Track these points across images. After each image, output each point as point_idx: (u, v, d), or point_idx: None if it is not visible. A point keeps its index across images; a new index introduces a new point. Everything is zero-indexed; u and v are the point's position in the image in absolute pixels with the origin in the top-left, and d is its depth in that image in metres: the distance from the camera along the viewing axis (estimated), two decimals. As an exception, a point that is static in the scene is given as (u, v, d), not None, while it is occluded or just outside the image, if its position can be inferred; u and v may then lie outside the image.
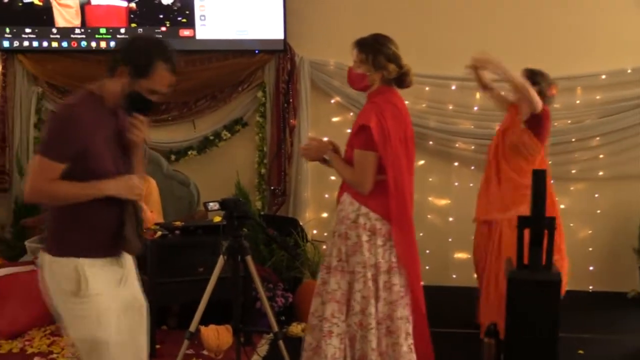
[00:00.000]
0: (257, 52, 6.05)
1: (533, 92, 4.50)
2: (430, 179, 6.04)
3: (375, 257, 3.64)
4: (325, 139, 3.99)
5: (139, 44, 2.80)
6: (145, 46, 2.78)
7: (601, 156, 5.91)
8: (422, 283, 3.86)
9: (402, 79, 3.67)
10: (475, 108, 5.93)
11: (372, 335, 3.61)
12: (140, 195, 2.92)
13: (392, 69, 3.62)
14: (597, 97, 5.84)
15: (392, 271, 3.66)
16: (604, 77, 5.83)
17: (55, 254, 2.78)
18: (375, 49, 3.64)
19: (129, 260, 3.00)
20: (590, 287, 5.93)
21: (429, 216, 6.07)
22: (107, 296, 2.82)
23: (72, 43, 6.09)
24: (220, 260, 3.86)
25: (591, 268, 5.89)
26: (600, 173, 5.91)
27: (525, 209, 4.47)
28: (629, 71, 5.81)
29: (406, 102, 3.83)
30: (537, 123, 4.62)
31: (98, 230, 2.82)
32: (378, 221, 3.63)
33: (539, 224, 3.82)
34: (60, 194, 2.72)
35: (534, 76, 4.76)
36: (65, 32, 6.08)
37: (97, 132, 2.75)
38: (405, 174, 3.64)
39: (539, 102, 4.52)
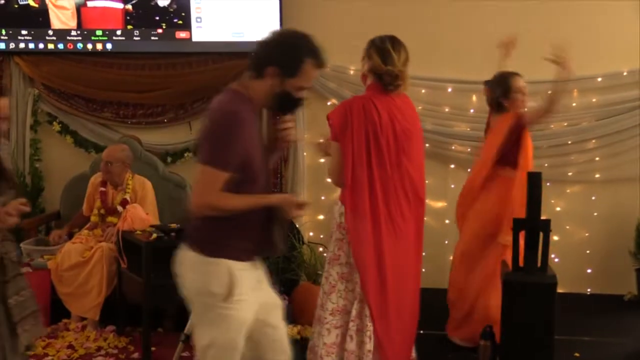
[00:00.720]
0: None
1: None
2: (427, 181, 5.96)
3: (348, 257, 3.75)
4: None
5: (286, 43, 2.74)
6: (293, 45, 2.73)
7: (597, 159, 5.91)
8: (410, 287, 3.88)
9: (383, 78, 3.70)
10: (472, 110, 5.93)
11: (324, 330, 3.75)
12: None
13: (377, 63, 3.67)
14: (593, 100, 5.84)
15: (333, 263, 3.79)
16: (600, 79, 5.83)
17: (208, 254, 2.73)
18: (372, 41, 3.75)
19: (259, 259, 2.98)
20: (588, 290, 5.93)
21: (425, 218, 6.03)
22: (249, 303, 2.79)
23: (68, 45, 6.08)
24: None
25: (588, 270, 5.89)
26: (597, 175, 5.91)
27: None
28: (625, 74, 5.81)
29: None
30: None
31: (249, 234, 2.78)
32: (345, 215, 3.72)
33: (533, 226, 3.82)
34: (228, 207, 2.67)
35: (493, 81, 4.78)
36: (61, 34, 6.07)
37: (254, 136, 2.72)
38: (364, 168, 3.68)
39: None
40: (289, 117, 2.86)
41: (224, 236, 2.74)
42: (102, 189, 5.35)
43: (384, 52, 3.68)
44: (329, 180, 5.84)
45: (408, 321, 3.89)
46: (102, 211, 5.32)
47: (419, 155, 3.93)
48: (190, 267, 2.78)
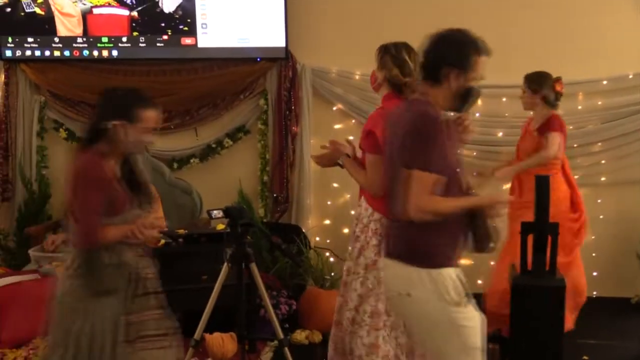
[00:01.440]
0: (258, 59, 6.06)
1: (547, 153, 4.72)
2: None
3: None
4: (351, 138, 3.99)
5: (452, 43, 2.86)
6: (459, 42, 2.85)
7: (603, 162, 5.91)
8: None
9: (403, 90, 3.70)
10: (477, 114, 5.93)
11: (363, 331, 3.65)
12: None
13: (395, 74, 3.66)
14: (599, 103, 5.84)
15: (370, 268, 3.72)
16: (605, 82, 5.84)
17: (431, 265, 2.75)
18: (387, 48, 3.72)
19: None
20: (594, 293, 5.91)
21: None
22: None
23: (74, 52, 6.10)
24: (225, 268, 3.86)
25: (595, 274, 5.89)
26: (603, 179, 5.91)
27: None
28: (630, 77, 5.82)
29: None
30: (549, 129, 4.69)
31: (457, 238, 2.83)
32: None
33: (542, 229, 3.83)
34: (443, 210, 2.70)
35: (533, 84, 4.81)
36: (67, 41, 6.09)
37: (451, 139, 2.78)
38: None
39: (550, 154, 4.72)
40: (467, 114, 2.95)
41: (439, 244, 2.77)
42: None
43: (402, 62, 3.65)
44: (335, 185, 5.93)
45: None
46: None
47: None
48: (416, 283, 2.77)
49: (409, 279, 2.78)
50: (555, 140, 4.72)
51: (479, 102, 5.82)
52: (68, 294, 2.99)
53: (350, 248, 3.89)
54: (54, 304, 3.03)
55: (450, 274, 2.76)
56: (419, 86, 2.90)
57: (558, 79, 4.85)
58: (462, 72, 2.77)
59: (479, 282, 5.19)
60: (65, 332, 2.97)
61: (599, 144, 5.88)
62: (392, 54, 3.68)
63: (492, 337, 4.44)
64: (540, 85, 4.81)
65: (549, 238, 3.86)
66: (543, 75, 4.85)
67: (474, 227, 2.82)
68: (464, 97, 2.81)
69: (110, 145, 3.01)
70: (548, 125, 4.76)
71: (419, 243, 2.77)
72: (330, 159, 3.91)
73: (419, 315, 2.82)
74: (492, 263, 5.07)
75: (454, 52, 2.80)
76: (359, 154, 3.81)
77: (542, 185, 3.88)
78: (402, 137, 2.74)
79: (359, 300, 3.70)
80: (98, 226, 2.92)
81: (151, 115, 3.05)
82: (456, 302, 2.74)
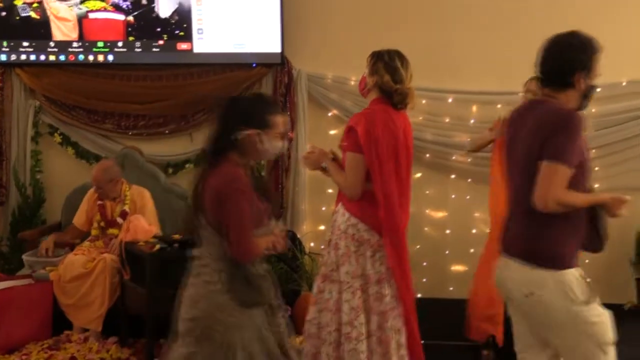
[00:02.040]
0: (254, 65, 6.07)
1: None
2: (427, 192, 6.05)
3: (363, 268, 3.67)
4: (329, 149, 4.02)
5: (579, 47, 2.97)
6: (584, 46, 2.97)
7: (597, 168, 5.92)
8: (416, 295, 3.88)
9: (393, 97, 3.71)
10: (472, 121, 5.96)
11: (362, 346, 3.63)
12: None
13: (386, 80, 3.68)
14: (593, 110, 5.85)
15: (382, 282, 3.69)
16: (599, 89, 5.81)
17: (556, 267, 2.82)
18: (380, 55, 3.75)
19: None
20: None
21: (425, 229, 6.08)
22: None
23: (70, 56, 6.09)
24: (220, 274, 3.85)
25: (588, 280, 5.89)
26: (597, 185, 5.91)
27: None
28: (624, 84, 5.85)
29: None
30: None
31: (579, 238, 2.90)
32: (366, 232, 3.69)
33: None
34: (572, 203, 2.79)
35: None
36: (63, 46, 6.09)
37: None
38: (394, 183, 3.68)
39: None
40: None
41: (563, 244, 2.84)
42: (100, 202, 5.35)
43: (394, 69, 3.68)
44: (330, 190, 5.94)
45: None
46: (102, 224, 5.33)
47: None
48: (540, 284, 2.82)
49: (532, 280, 2.83)
50: None
51: (474, 108, 5.89)
52: (218, 310, 2.91)
53: (325, 254, 3.87)
54: (197, 321, 2.96)
55: (574, 274, 2.83)
56: (540, 90, 2.99)
57: None
58: (588, 74, 2.90)
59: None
60: (219, 347, 2.91)
61: (593, 150, 5.88)
62: (384, 61, 3.71)
63: (486, 344, 4.45)
64: None
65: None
66: None
67: (594, 226, 2.90)
68: (586, 96, 2.95)
69: (242, 155, 2.96)
70: None
71: (544, 244, 2.84)
72: (316, 161, 3.91)
73: (545, 315, 2.86)
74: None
75: (582, 56, 2.91)
76: (341, 156, 3.84)
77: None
78: (544, 132, 2.80)
79: (354, 314, 3.68)
80: (253, 239, 2.89)
81: (281, 120, 3.03)
82: (582, 301, 2.81)
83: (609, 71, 5.74)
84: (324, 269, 3.83)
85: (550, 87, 2.94)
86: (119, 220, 5.25)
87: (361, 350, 3.63)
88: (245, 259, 2.91)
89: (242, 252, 2.88)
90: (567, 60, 2.91)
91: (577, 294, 2.80)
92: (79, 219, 5.47)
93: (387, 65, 3.70)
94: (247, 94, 3.12)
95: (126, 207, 5.29)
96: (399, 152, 3.70)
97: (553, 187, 2.72)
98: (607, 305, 6.02)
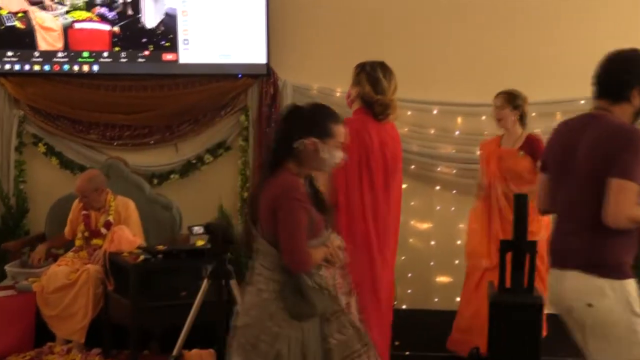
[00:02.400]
0: (240, 76, 6.07)
1: None
2: (412, 203, 6.05)
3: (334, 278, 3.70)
4: None
5: (638, 64, 2.95)
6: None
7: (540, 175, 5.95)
8: (388, 309, 3.87)
9: (374, 107, 3.73)
10: (457, 132, 5.98)
11: None
12: None
13: (367, 91, 3.70)
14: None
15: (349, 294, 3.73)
16: (583, 102, 5.88)
17: (616, 277, 2.82)
18: (364, 66, 3.77)
19: None
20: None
21: (410, 240, 6.08)
22: None
23: (55, 66, 6.08)
24: (204, 284, 3.85)
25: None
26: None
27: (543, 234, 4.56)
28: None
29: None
30: (531, 147, 4.76)
31: (636, 250, 2.91)
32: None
33: (520, 247, 3.85)
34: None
35: (515, 100, 4.87)
36: (48, 56, 6.07)
37: None
38: (358, 192, 3.69)
39: None
40: None
41: (623, 254, 2.86)
42: (85, 212, 5.33)
43: (376, 80, 3.70)
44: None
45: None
46: (86, 234, 5.31)
47: (400, 186, 3.94)
48: (599, 294, 2.83)
49: (592, 290, 2.83)
50: None
51: (459, 120, 5.92)
52: (268, 319, 2.86)
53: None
54: (246, 328, 2.92)
55: (632, 285, 2.84)
56: (596, 102, 3.00)
57: (525, 99, 4.93)
58: None
59: (457, 299, 5.20)
60: (264, 358, 2.86)
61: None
62: (367, 72, 3.74)
63: (470, 355, 4.44)
64: (520, 102, 4.88)
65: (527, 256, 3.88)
66: (519, 93, 4.92)
67: None
68: (638, 112, 2.97)
69: (301, 165, 2.92)
70: (536, 149, 4.77)
71: (607, 256, 2.85)
72: None
73: (602, 325, 2.86)
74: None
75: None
76: None
77: (521, 204, 3.90)
78: (607, 148, 2.83)
79: None
80: (308, 249, 2.84)
81: (342, 130, 2.97)
82: (637, 312, 2.82)
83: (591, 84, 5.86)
84: None
85: (606, 99, 2.96)
86: (103, 230, 5.23)
87: None
88: (299, 268, 2.85)
89: (296, 262, 2.82)
90: (627, 74, 2.93)
91: (635, 304, 2.83)
92: (66, 229, 5.45)
93: (369, 76, 3.72)
94: (308, 104, 3.06)
95: (110, 218, 5.26)
96: (370, 163, 3.71)
97: (624, 204, 2.76)
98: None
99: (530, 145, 4.82)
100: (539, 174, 3.29)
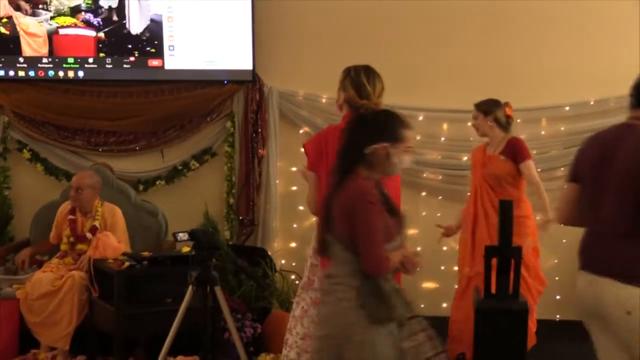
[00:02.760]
0: (225, 82, 6.06)
1: (536, 180, 4.85)
2: (398, 209, 6.06)
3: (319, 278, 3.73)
4: None
5: None
6: None
7: (566, 186, 5.97)
8: None
9: (358, 111, 3.74)
10: (443, 139, 5.99)
11: (293, 353, 3.77)
12: None
13: (352, 95, 3.71)
14: (562, 128, 5.93)
15: (306, 287, 3.83)
16: (567, 108, 5.93)
17: None
18: (349, 71, 3.78)
19: None
20: (557, 316, 5.97)
21: (397, 246, 6.07)
22: None
23: (40, 72, 6.05)
24: (189, 291, 3.84)
25: (558, 297, 5.94)
26: (566, 203, 5.98)
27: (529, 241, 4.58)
28: (591, 103, 5.92)
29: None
30: (523, 157, 4.77)
31: None
32: None
33: (505, 253, 3.86)
34: None
35: (488, 107, 4.90)
36: (33, 62, 6.04)
37: None
38: None
39: (539, 181, 4.87)
40: None
41: None
42: (71, 217, 5.30)
43: (360, 85, 3.71)
44: (301, 208, 5.94)
45: None
46: (72, 239, 5.27)
47: (397, 183, 3.94)
48: (637, 302, 2.81)
49: (630, 299, 2.82)
50: (532, 167, 4.82)
51: (445, 126, 5.93)
52: (350, 327, 2.84)
53: (307, 277, 3.88)
54: (329, 339, 2.90)
55: None
56: (632, 112, 3.03)
57: (507, 104, 4.94)
58: None
59: (444, 305, 5.21)
60: None
61: (562, 168, 5.95)
62: (351, 77, 3.75)
63: (457, 361, 4.45)
64: (490, 107, 4.90)
65: (512, 261, 3.89)
66: (492, 100, 4.95)
67: None
68: None
69: (371, 170, 2.93)
70: (517, 151, 4.80)
71: None
72: None
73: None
74: (455, 287, 5.09)
75: None
76: None
77: (506, 210, 3.92)
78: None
79: (294, 322, 3.83)
80: (385, 252, 2.84)
81: (411, 135, 3.00)
82: None
83: (578, 91, 5.90)
84: (311, 293, 3.87)
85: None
86: (89, 235, 5.19)
87: (291, 357, 3.75)
88: (377, 272, 2.85)
89: (375, 265, 2.82)
90: None
91: None
92: (52, 234, 5.41)
93: (353, 81, 3.73)
94: (375, 110, 3.11)
95: (96, 223, 5.24)
96: None
97: None
98: (577, 323, 6.04)
99: (511, 148, 4.83)
100: (566, 185, 3.26)
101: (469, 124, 5.63)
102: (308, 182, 3.74)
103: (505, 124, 4.92)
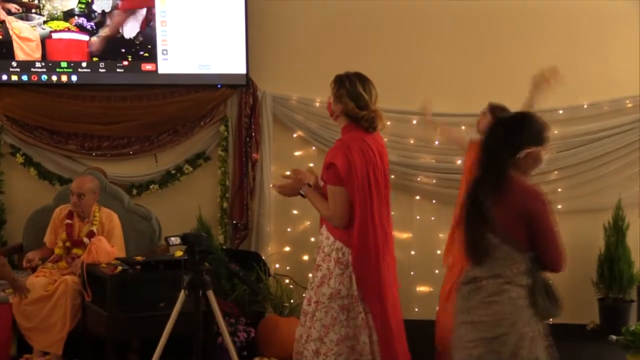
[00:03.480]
0: (219, 86, 6.06)
1: None
2: (392, 213, 6.01)
3: (348, 289, 3.69)
4: (311, 165, 4.00)
5: None
6: None
7: (559, 190, 6.00)
8: (398, 317, 3.87)
9: (361, 122, 3.74)
10: (436, 142, 6.00)
11: None
12: None
13: (351, 107, 3.71)
14: (555, 132, 5.93)
15: (363, 301, 3.70)
16: (561, 112, 5.95)
17: None
18: (342, 82, 3.76)
19: None
20: (550, 320, 5.96)
21: (390, 250, 6.07)
22: None
23: (33, 77, 6.03)
24: (182, 295, 3.83)
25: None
26: (559, 206, 5.98)
27: None
28: (585, 107, 5.95)
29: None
30: None
31: None
32: (352, 255, 3.71)
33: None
34: None
35: (498, 111, 4.89)
36: (26, 66, 6.03)
37: None
38: (371, 205, 3.73)
39: None
40: None
41: None
42: (69, 221, 5.28)
43: (357, 96, 3.70)
44: (295, 212, 5.94)
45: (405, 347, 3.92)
46: (68, 244, 5.26)
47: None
48: None
49: None
50: None
51: (438, 130, 5.93)
52: (525, 325, 2.96)
53: (310, 276, 3.90)
54: (504, 338, 2.96)
55: None
56: None
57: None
58: None
59: (437, 308, 5.20)
60: None
61: (555, 172, 5.98)
62: (346, 88, 3.73)
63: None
64: (502, 115, 4.88)
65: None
66: (507, 109, 4.94)
67: None
68: None
69: (522, 172, 3.02)
70: None
71: None
72: (292, 189, 3.93)
73: None
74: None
75: None
76: (321, 183, 3.83)
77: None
78: None
79: (324, 331, 3.70)
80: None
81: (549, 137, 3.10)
82: None
83: (571, 95, 5.92)
84: (309, 292, 3.85)
85: None
86: (86, 240, 5.17)
87: None
88: (560, 268, 3.00)
89: (560, 262, 2.98)
90: None
91: None
92: (48, 238, 5.39)
93: (350, 93, 3.72)
94: (512, 114, 3.21)
95: (94, 228, 5.22)
96: (377, 176, 3.76)
97: None
98: (570, 326, 6.12)
99: None
100: None
101: (463, 127, 5.66)
102: (334, 196, 3.70)
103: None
